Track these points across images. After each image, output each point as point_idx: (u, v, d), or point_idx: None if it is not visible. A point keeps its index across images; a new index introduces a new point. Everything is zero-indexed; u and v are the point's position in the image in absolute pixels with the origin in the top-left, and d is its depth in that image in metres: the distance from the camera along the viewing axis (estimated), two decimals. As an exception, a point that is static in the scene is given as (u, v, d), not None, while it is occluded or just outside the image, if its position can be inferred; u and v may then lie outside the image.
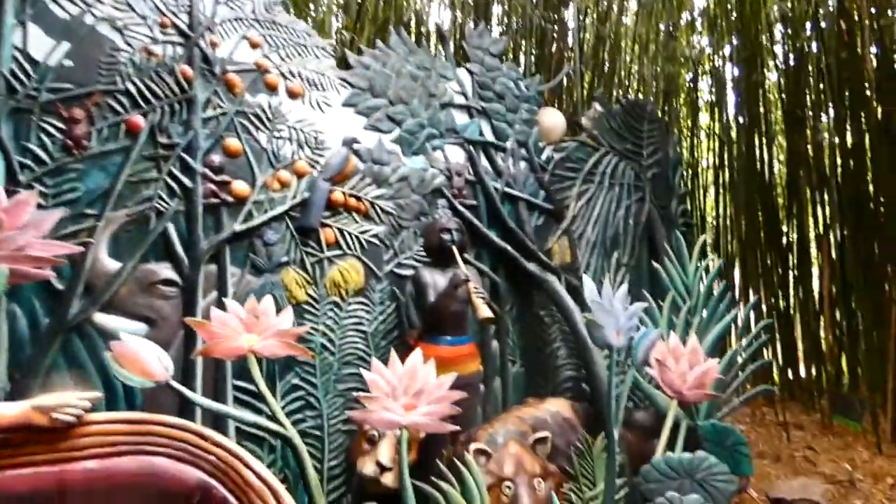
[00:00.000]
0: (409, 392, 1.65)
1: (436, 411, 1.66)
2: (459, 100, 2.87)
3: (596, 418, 2.44)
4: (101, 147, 2.04)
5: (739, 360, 2.73)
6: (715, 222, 5.37)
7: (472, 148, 2.83)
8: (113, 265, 2.03)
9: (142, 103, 2.11)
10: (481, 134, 2.87)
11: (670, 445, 2.22)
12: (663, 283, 2.70)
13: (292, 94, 2.42)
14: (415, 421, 1.61)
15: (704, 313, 2.66)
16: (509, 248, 2.82)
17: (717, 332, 2.57)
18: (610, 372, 1.84)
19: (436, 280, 2.33)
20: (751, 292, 4.69)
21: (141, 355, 1.47)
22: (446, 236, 2.37)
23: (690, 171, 5.50)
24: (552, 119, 3.10)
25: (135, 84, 2.10)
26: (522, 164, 2.99)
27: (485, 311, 2.15)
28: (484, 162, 2.87)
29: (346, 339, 2.45)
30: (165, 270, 2.12)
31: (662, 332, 2.25)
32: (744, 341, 2.67)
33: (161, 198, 2.12)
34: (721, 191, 5.14)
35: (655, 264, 2.75)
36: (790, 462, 3.56)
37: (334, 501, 2.32)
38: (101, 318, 2.00)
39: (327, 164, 2.42)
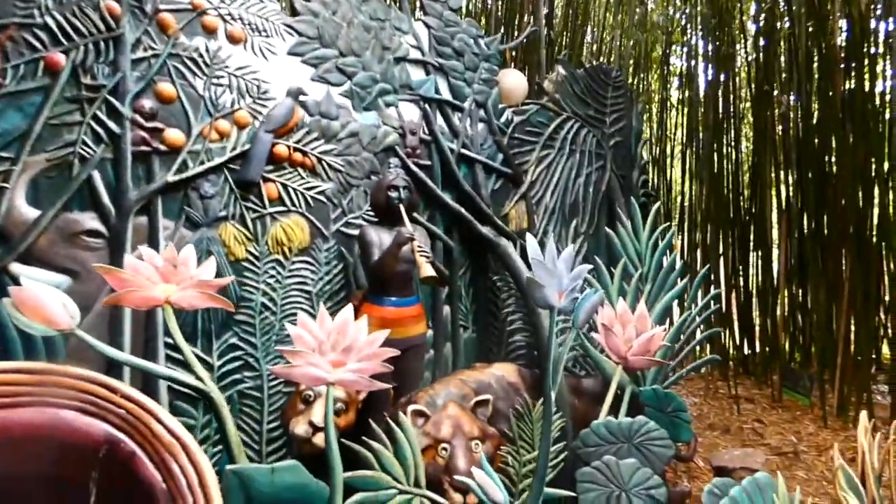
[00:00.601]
0: (337, 348, 1.58)
1: (365, 369, 1.59)
2: (415, 54, 2.75)
3: (543, 383, 2.41)
4: (17, 86, 1.89)
5: (693, 331, 2.72)
6: (680, 196, 5.37)
7: (427, 106, 2.73)
8: (31, 213, 1.90)
9: (63, 40, 1.96)
10: (438, 91, 2.77)
11: (615, 411, 2.21)
12: (616, 251, 2.67)
13: (233, 39, 2.28)
14: (342, 378, 1.55)
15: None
16: (464, 211, 2.75)
17: (666, 300, 2.55)
18: (550, 333, 1.79)
19: (382, 239, 2.25)
20: (710, 266, 4.72)
21: (43, 301, 1.37)
22: (393, 194, 2.28)
23: (660, 145, 5.48)
24: (513, 80, 3.01)
25: (55, 18, 1.94)
26: (480, 126, 2.90)
27: (427, 270, 2.08)
28: (440, 121, 2.77)
29: (288, 299, 2.36)
30: (90, 220, 2.00)
31: (605, 296, 2.21)
32: (694, 310, 2.66)
33: (85, 143, 1.99)
34: (688, 164, 5.13)
35: (609, 231, 2.71)
36: (739, 434, 3.62)
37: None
38: (18, 269, 1.88)
39: (270, 115, 2.30)
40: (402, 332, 2.24)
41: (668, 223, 3.15)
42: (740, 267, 4.77)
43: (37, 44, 1.92)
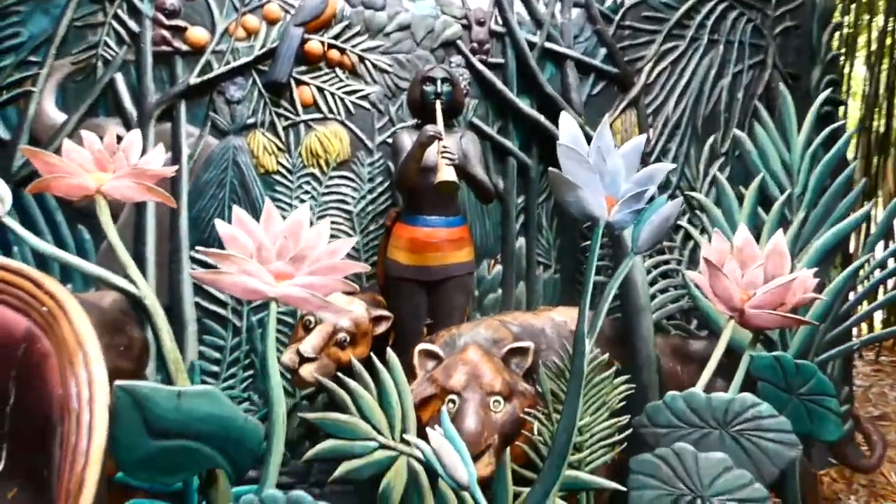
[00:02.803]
0: (284, 256, 1.24)
1: (319, 284, 1.24)
2: (486, -77, 2.22)
3: (624, 337, 1.82)
4: (43, -14, 1.86)
5: (876, 285, 1.84)
6: (865, 100, 3.87)
7: (500, -12, 2.19)
8: (59, 117, 1.89)
9: (82, -65, 1.87)
10: (514, -31, 2.21)
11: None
12: (751, 162, 1.87)
13: (260, -80, 2.02)
14: (285, 293, 1.22)
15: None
16: (545, 120, 2.19)
17: (830, 236, 1.72)
18: (591, 257, 1.24)
19: (415, 145, 1.84)
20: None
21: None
22: (428, 87, 1.84)
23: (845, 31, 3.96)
24: (626, -51, 2.30)
25: (74, -89, 1.86)
26: (575, 12, 2.27)
27: (446, 174, 1.63)
28: (518, 7, 2.22)
29: (325, 217, 2.09)
30: (114, 126, 1.92)
31: (722, 225, 1.53)
32: (877, 256, 1.78)
33: (107, 45, 1.90)
34: (881, 59, 3.64)
35: (739, 133, 1.91)
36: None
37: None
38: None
39: (301, 5, 2.00)
40: (438, 259, 1.84)
41: (842, 122, 2.18)
42: None
43: (60, -59, 1.86)
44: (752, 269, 1.52)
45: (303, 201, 2.07)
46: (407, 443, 1.24)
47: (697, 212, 1.96)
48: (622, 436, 1.45)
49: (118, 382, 1.11)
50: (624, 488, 1.30)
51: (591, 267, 1.24)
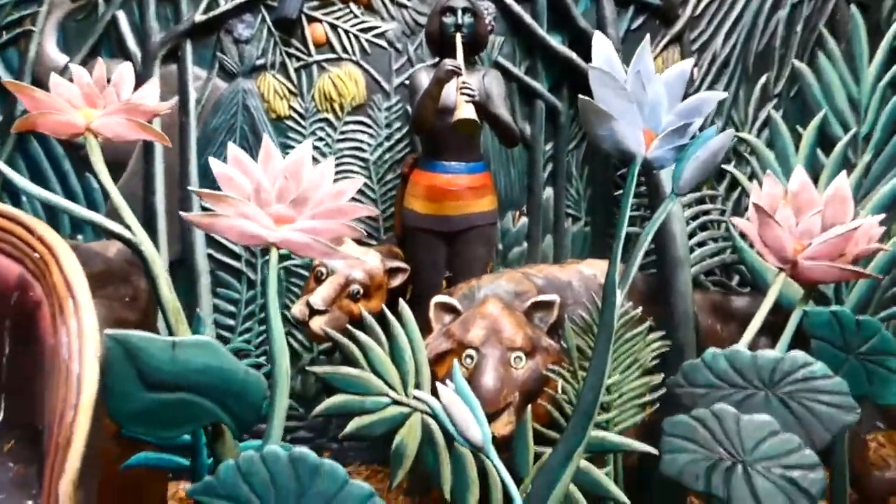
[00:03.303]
0: (285, 198, 1.14)
1: (323, 229, 1.14)
2: None
3: (660, 292, 1.68)
4: (41, -84, 1.75)
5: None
6: None
7: None
8: (61, 58, 1.80)
9: None
10: None
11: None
12: (811, 97, 1.67)
13: None
14: (287, 238, 1.12)
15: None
16: (577, 58, 2.00)
17: (900, 179, 1.53)
18: (624, 199, 1.09)
19: (434, 83, 1.70)
20: None
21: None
22: (448, 19, 1.68)
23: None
24: None
25: None
26: (613, -64, 2.04)
27: (465, 111, 1.48)
28: (549, -70, 2.01)
29: (340, 166, 1.98)
30: (117, 67, 1.83)
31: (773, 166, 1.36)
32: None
33: (108, -22, 1.79)
34: None
35: (798, 64, 1.69)
36: None
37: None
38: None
39: (310, -67, 1.85)
40: (458, 208, 1.71)
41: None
42: None
43: None
44: (808, 216, 1.36)
45: (317, 149, 1.96)
46: (418, 399, 1.14)
47: (746, 155, 1.77)
48: (654, 396, 1.33)
49: (108, 331, 1.04)
50: (655, 451, 1.19)
51: (624, 211, 1.10)
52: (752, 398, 1.22)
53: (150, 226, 1.83)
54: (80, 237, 1.86)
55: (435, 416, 0.97)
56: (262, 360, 2.00)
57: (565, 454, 1.09)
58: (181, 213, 1.09)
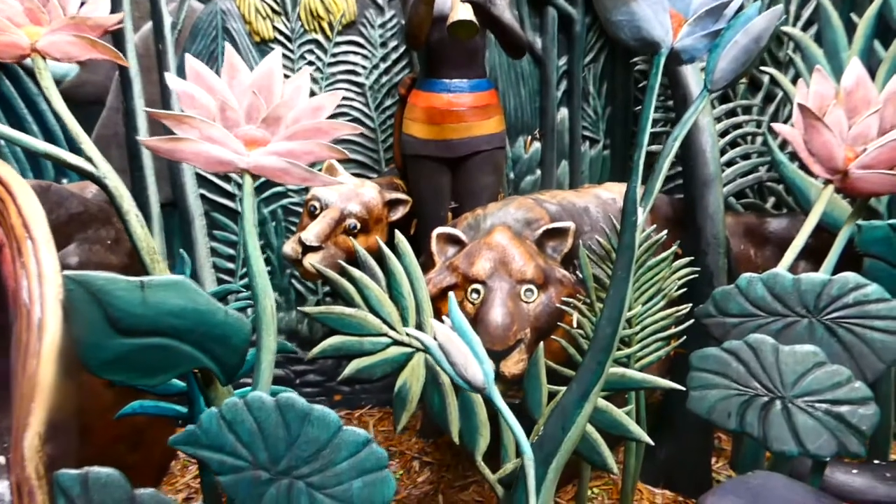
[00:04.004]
0: (255, 117, 1.00)
1: (299, 151, 1.00)
2: None
3: (687, 214, 1.53)
4: None
5: None
6: None
7: None
8: (21, -16, 1.64)
9: None
10: None
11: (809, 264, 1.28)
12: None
13: None
14: (259, 163, 0.99)
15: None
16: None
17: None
18: (647, 99, 0.92)
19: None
20: None
21: None
22: (441, -88, 1.46)
23: None
24: None
25: None
26: None
27: (461, 12, 1.30)
28: None
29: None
30: (83, -9, 1.67)
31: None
32: None
33: None
34: None
35: None
36: None
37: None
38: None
39: None
40: (461, 131, 1.55)
41: None
42: None
43: None
44: (864, 117, 1.18)
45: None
46: (410, 336, 1.03)
47: (790, 54, 1.55)
48: (681, 327, 1.20)
49: (67, 273, 0.94)
50: (682, 387, 1.07)
51: (647, 113, 0.94)
52: (793, 327, 1.08)
53: (136, 165, 1.71)
54: (65, 180, 1.76)
55: (431, 355, 0.86)
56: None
57: (580, 394, 0.98)
58: (136, 137, 0.96)
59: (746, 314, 1.11)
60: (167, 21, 1.68)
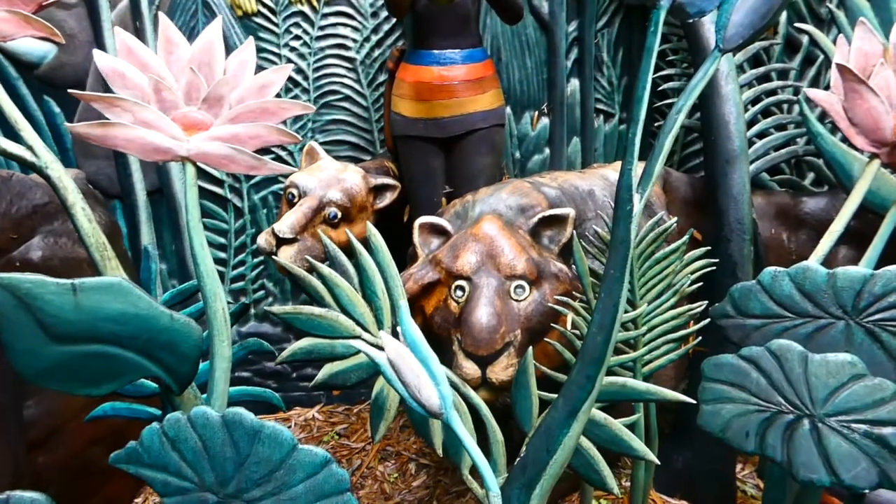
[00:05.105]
0: (194, 96, 0.89)
1: (246, 134, 0.88)
2: None
3: (707, 195, 1.35)
4: None
5: None
6: None
7: None
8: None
9: None
10: None
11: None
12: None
13: None
14: (201, 149, 0.87)
15: None
16: None
17: None
18: (646, 59, 0.77)
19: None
20: None
21: None
22: None
23: None
24: None
25: None
26: None
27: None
28: None
29: (322, 70, 1.70)
30: (54, -32, 1.58)
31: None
32: None
33: None
34: None
35: None
36: None
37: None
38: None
39: None
40: (453, 107, 1.41)
41: None
42: None
43: None
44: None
45: (294, 51, 1.67)
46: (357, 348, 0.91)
47: (832, 7, 1.34)
48: (695, 328, 1.05)
49: (-8, 276, 0.85)
50: (693, 401, 0.93)
51: (643, 81, 0.78)
52: (826, 331, 0.92)
53: (118, 153, 1.63)
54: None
55: (382, 374, 0.74)
56: (260, 294, 1.85)
57: (567, 412, 0.85)
58: (67, 124, 0.86)
59: (770, 315, 0.95)
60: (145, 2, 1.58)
